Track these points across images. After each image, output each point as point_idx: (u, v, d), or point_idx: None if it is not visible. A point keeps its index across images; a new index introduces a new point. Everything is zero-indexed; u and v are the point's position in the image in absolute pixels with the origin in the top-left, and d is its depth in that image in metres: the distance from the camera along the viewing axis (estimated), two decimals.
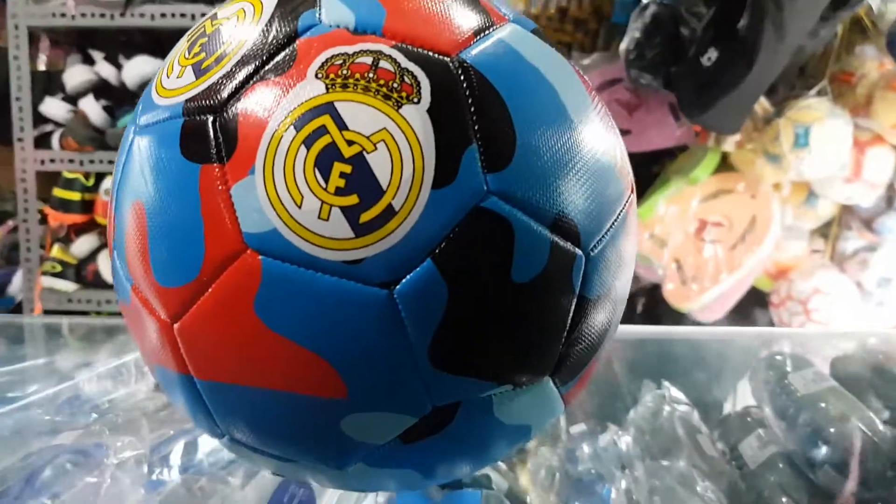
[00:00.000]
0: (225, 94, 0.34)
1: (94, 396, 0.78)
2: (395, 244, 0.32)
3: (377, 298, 0.32)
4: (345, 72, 0.33)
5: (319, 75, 0.33)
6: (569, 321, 0.36)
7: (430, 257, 0.32)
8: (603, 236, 0.37)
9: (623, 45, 1.58)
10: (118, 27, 1.77)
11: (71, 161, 1.80)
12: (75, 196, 1.80)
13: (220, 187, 0.33)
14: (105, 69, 1.79)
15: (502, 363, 0.35)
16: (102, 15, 1.74)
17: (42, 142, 1.83)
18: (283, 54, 0.34)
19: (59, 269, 1.78)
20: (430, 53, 0.34)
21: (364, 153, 0.32)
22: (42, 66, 1.83)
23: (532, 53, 0.37)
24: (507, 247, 0.33)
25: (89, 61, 1.84)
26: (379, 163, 0.32)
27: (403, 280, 0.32)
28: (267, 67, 0.34)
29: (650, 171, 1.73)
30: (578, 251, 0.35)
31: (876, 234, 1.64)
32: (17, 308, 1.88)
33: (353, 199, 0.32)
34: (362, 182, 0.32)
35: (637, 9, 1.59)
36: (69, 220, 1.80)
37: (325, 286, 0.32)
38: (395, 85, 0.33)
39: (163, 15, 1.73)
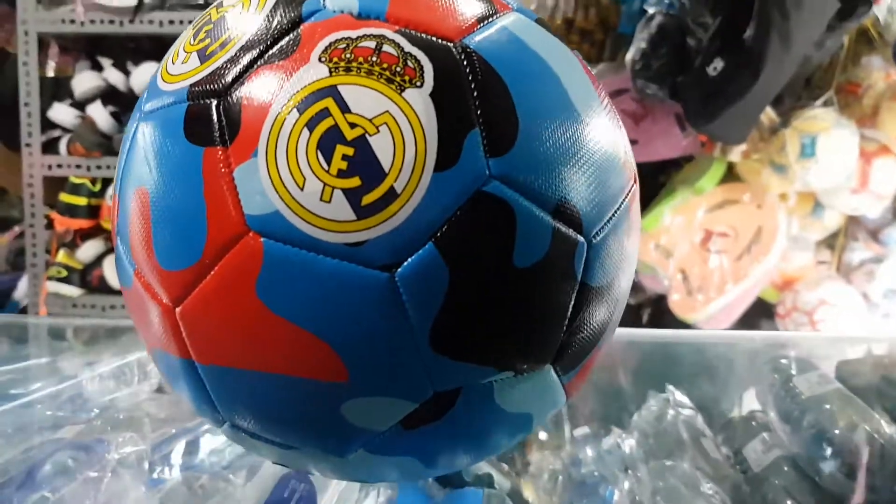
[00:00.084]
0: (229, 78, 0.34)
1: (97, 395, 0.78)
2: (397, 227, 0.32)
3: (378, 281, 0.32)
4: (348, 55, 0.33)
5: (323, 59, 0.33)
6: (570, 308, 0.36)
7: (431, 240, 0.32)
8: (605, 224, 0.37)
9: (629, 56, 1.58)
10: (127, 34, 1.78)
11: (78, 166, 1.81)
12: (82, 201, 1.80)
13: (223, 170, 0.33)
14: (113, 75, 1.81)
15: (503, 348, 0.35)
16: (112, 21, 1.75)
17: (50, 147, 1.84)
18: (286, 39, 0.34)
19: (64, 273, 1.79)
20: (434, 39, 0.34)
21: (367, 136, 0.32)
22: (51, 73, 1.84)
23: (535, 41, 0.37)
24: (509, 231, 0.33)
25: (98, 68, 1.86)
26: (381, 145, 0.32)
27: (405, 263, 0.32)
28: (271, 52, 0.34)
29: (656, 181, 1.73)
30: (580, 238, 0.35)
31: (882, 246, 1.64)
32: (22, 313, 1.88)
33: (355, 182, 0.32)
34: (364, 164, 0.32)
35: (643, 19, 1.60)
36: (75, 225, 1.81)
37: (327, 268, 0.32)
38: (398, 69, 0.33)
39: (171, 22, 1.74)
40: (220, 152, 0.33)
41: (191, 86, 0.35)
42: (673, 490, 0.57)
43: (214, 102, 0.34)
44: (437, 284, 0.32)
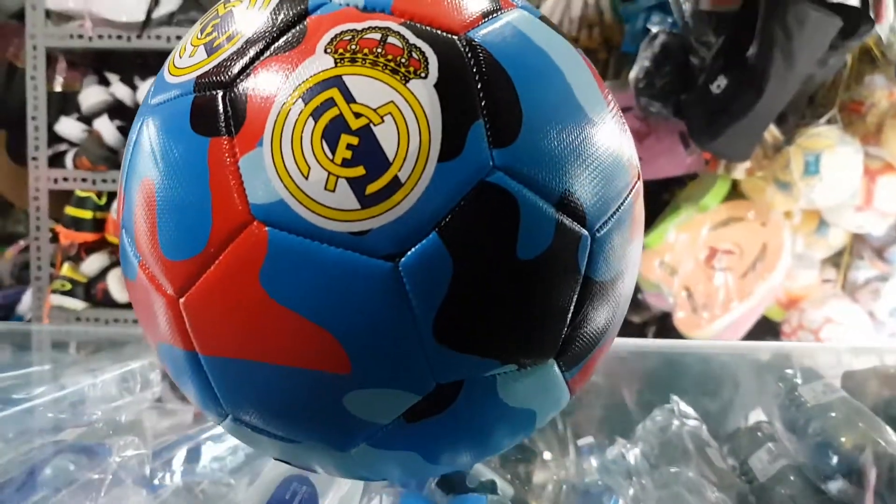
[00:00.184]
0: (235, 69, 0.35)
1: (98, 402, 0.78)
2: (401, 216, 0.32)
3: (382, 270, 0.32)
4: (353, 47, 0.34)
5: (328, 50, 0.34)
6: (574, 302, 0.36)
7: (435, 230, 0.32)
8: (609, 219, 0.37)
9: (633, 74, 1.59)
10: (134, 49, 1.79)
11: (84, 180, 1.81)
12: (87, 214, 1.81)
13: (228, 160, 0.33)
14: (120, 90, 1.82)
15: (506, 340, 0.35)
16: (119, 37, 1.77)
17: (56, 161, 1.85)
18: (292, 31, 0.35)
19: (68, 287, 1.79)
20: (439, 32, 0.35)
21: (371, 125, 0.32)
22: (58, 87, 1.86)
23: (540, 37, 0.37)
24: (513, 222, 0.33)
25: (105, 83, 1.87)
26: (386, 135, 0.32)
27: (409, 252, 0.32)
28: (277, 44, 0.35)
29: (660, 198, 1.73)
30: (584, 231, 0.35)
31: (888, 264, 1.63)
32: (26, 335, 1.88)
33: (359, 171, 0.32)
34: (369, 154, 0.32)
35: (647, 38, 1.61)
36: (80, 239, 1.82)
37: (331, 258, 0.32)
38: (403, 60, 0.33)
39: (178, 37, 1.75)
40: (225, 142, 0.33)
41: (197, 78, 0.36)
42: (678, 497, 0.56)
43: (220, 93, 0.34)
44: (440, 274, 0.32)
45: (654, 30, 1.61)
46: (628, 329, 1.69)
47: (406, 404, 0.35)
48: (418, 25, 0.35)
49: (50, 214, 1.85)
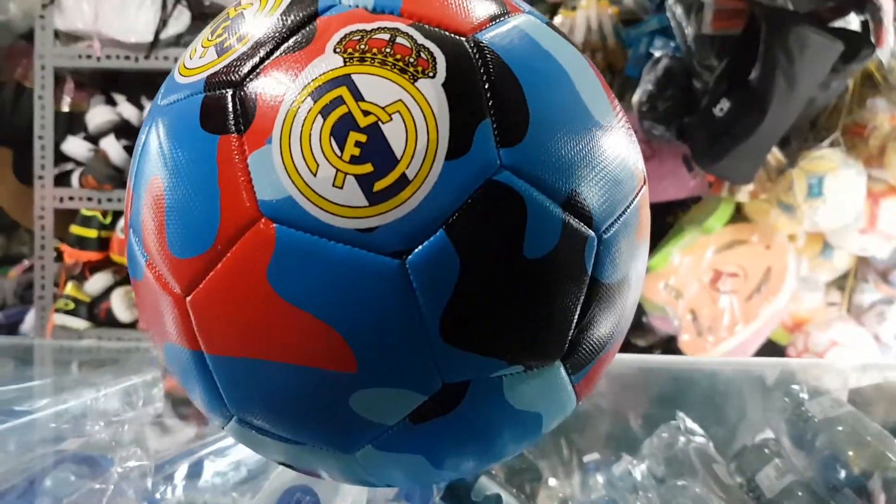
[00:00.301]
0: (245, 69, 0.35)
1: (100, 416, 0.78)
2: (409, 213, 0.32)
3: (389, 268, 0.32)
4: (362, 46, 0.34)
5: (337, 50, 0.34)
6: (580, 303, 0.36)
7: (442, 228, 0.32)
8: (615, 221, 0.37)
9: (636, 98, 1.60)
10: (142, 70, 1.81)
11: (89, 199, 1.82)
12: (92, 233, 1.82)
13: (237, 157, 0.33)
14: (127, 110, 1.83)
15: (513, 340, 0.34)
16: (127, 57, 1.79)
17: (62, 180, 1.86)
18: (302, 32, 0.35)
19: (71, 306, 1.79)
20: (447, 33, 0.35)
21: (379, 123, 0.32)
22: (66, 108, 1.87)
23: (546, 41, 0.38)
24: (520, 221, 0.33)
25: (112, 103, 1.89)
26: (394, 133, 0.32)
27: (416, 250, 0.32)
28: (287, 44, 0.35)
29: (664, 221, 1.74)
30: (591, 232, 0.35)
31: (892, 287, 1.63)
32: (28, 349, 1.88)
33: (367, 168, 0.32)
34: (377, 151, 0.32)
35: (650, 62, 1.63)
36: (85, 258, 1.82)
37: (338, 255, 0.32)
38: (412, 60, 0.34)
39: None
40: (234, 140, 0.34)
41: (207, 77, 0.36)
42: None
43: (230, 92, 0.35)
44: (447, 272, 0.32)
45: (656, 54, 1.63)
46: (633, 352, 1.68)
47: (412, 404, 0.35)
48: (427, 27, 0.35)
49: (55, 233, 1.86)
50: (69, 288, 1.82)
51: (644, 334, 1.77)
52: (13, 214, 2.07)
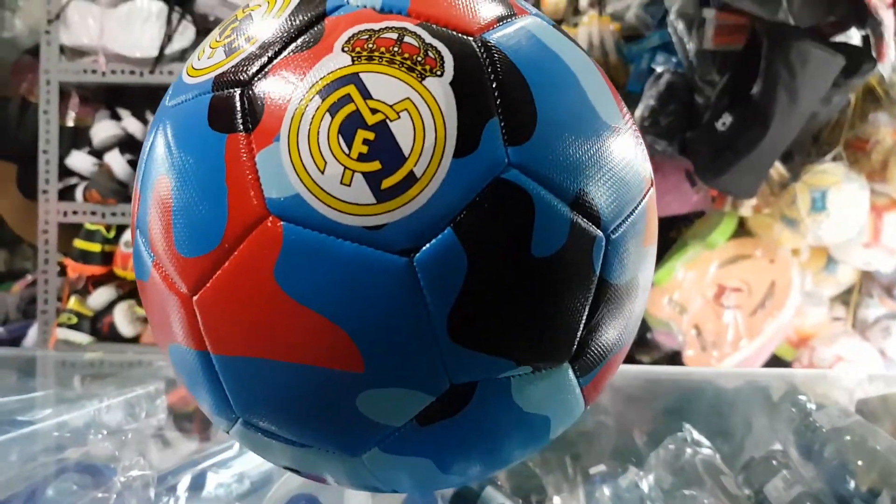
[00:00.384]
0: (253, 68, 0.35)
1: (102, 427, 0.77)
2: (416, 211, 0.32)
3: (396, 266, 0.32)
4: (370, 45, 0.34)
5: (346, 49, 0.34)
6: (588, 303, 0.35)
7: (450, 226, 0.32)
8: (623, 221, 0.37)
9: (638, 113, 1.61)
10: (147, 84, 1.82)
11: (93, 213, 1.83)
12: (95, 247, 1.82)
13: (244, 155, 0.33)
14: (132, 125, 1.84)
15: (521, 340, 0.34)
16: (132, 72, 1.80)
17: (66, 194, 1.87)
18: (310, 32, 0.35)
19: (74, 320, 1.79)
20: (454, 33, 0.35)
21: (387, 121, 0.32)
22: (70, 123, 1.88)
23: (553, 42, 0.38)
24: (527, 220, 0.33)
25: (116, 118, 1.90)
26: (402, 131, 0.32)
27: (423, 248, 0.32)
28: (295, 44, 0.35)
29: (667, 236, 1.74)
30: (599, 232, 0.35)
31: None
32: (31, 361, 1.87)
33: (375, 165, 0.32)
34: (385, 149, 0.32)
35: (651, 78, 1.63)
36: (88, 272, 1.82)
37: (346, 252, 0.32)
38: (420, 58, 0.34)
39: None
40: (242, 138, 0.34)
41: (215, 77, 0.36)
42: None
43: (238, 91, 0.35)
44: (455, 270, 0.32)
45: (658, 69, 1.64)
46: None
47: (420, 405, 0.34)
48: (434, 27, 0.35)
49: (58, 248, 1.86)
50: (72, 302, 1.82)
51: (648, 350, 1.76)
52: (17, 229, 2.08)
